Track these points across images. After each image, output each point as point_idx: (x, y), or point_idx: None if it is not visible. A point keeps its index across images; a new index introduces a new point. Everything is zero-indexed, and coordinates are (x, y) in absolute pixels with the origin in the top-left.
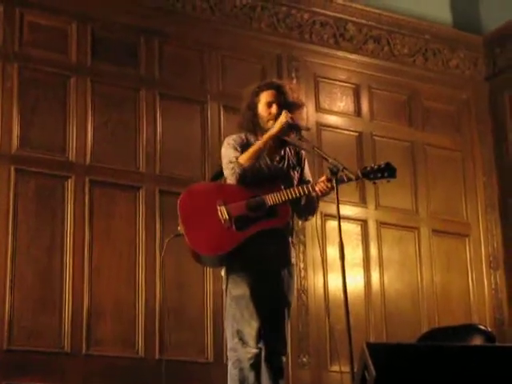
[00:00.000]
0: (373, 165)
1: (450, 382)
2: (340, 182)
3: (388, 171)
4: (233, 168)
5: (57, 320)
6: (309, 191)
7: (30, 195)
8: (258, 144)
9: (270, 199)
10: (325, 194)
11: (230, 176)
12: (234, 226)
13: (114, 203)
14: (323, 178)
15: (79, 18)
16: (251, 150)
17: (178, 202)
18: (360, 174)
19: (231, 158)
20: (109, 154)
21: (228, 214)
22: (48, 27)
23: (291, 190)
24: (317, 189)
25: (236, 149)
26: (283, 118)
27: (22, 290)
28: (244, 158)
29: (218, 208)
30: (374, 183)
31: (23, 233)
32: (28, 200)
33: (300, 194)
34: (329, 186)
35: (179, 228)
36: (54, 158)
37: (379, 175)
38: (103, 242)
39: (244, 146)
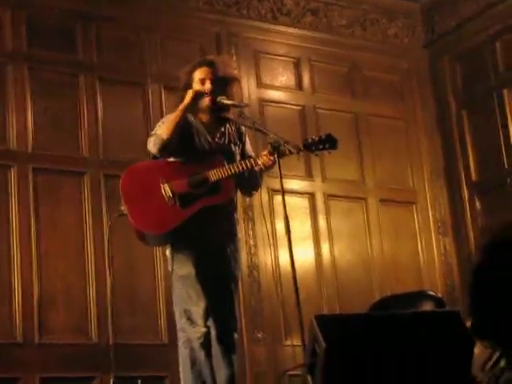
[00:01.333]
0: (314, 137)
1: (401, 350)
2: (282, 155)
3: (329, 142)
4: (154, 140)
5: (7, 310)
6: (251, 165)
7: None
8: (173, 114)
9: (213, 175)
10: (268, 167)
11: (152, 148)
12: (177, 204)
13: (58, 190)
14: (265, 152)
15: (14, 5)
16: (168, 121)
17: (120, 181)
18: (302, 147)
19: (153, 132)
20: (51, 140)
21: (171, 192)
22: None
23: (234, 165)
24: (259, 162)
25: (162, 124)
26: (195, 86)
27: None
28: (163, 130)
29: (161, 186)
30: (316, 155)
31: None
32: None
33: (243, 168)
34: (271, 158)
35: (123, 208)
36: None
37: (321, 147)
38: (50, 229)
39: None
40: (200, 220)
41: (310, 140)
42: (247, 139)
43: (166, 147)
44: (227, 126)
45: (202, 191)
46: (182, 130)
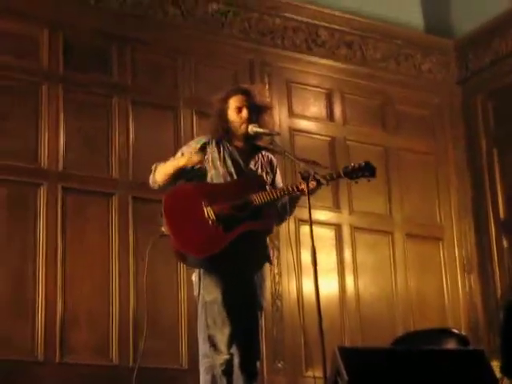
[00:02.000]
0: (353, 164)
1: None
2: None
3: (368, 170)
4: (151, 180)
5: (30, 328)
6: (293, 190)
7: (2, 203)
8: (171, 164)
9: (256, 199)
10: (311, 192)
11: (150, 184)
12: (221, 227)
13: (86, 210)
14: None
15: (51, 25)
16: (165, 170)
17: (163, 202)
18: (342, 174)
19: (153, 166)
20: (81, 160)
21: (215, 215)
22: (19, 34)
23: (276, 190)
24: (302, 187)
25: (181, 154)
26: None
27: None
28: (160, 176)
29: (204, 208)
30: (356, 182)
31: None
32: (0, 208)
33: (285, 193)
34: (314, 183)
35: (163, 229)
36: (26, 166)
37: (360, 174)
38: (76, 249)
39: (204, 149)
40: (232, 245)
41: (350, 167)
42: (278, 171)
43: (160, 190)
44: (260, 155)
45: (244, 215)
46: (215, 149)
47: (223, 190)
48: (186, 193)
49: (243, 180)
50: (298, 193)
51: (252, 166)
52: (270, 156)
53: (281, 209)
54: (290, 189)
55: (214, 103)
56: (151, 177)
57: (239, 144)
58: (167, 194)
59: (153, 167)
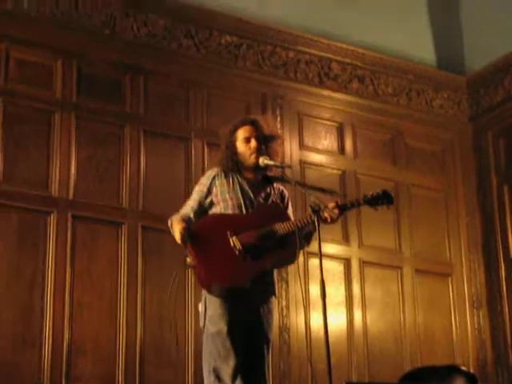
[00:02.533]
0: (372, 193)
1: None
2: (323, 220)
3: (387, 198)
4: (170, 226)
5: (37, 356)
6: (312, 221)
7: (12, 230)
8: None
9: (280, 229)
10: (332, 220)
11: None
12: (248, 256)
13: (96, 239)
14: (332, 205)
15: (65, 54)
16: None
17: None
18: (362, 201)
19: (169, 221)
20: (92, 189)
21: (241, 244)
22: (34, 63)
23: (299, 219)
24: (326, 215)
25: (196, 195)
26: (239, 145)
27: (1, 326)
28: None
29: (230, 238)
30: (376, 209)
31: (4, 268)
32: (10, 235)
33: (308, 222)
34: (336, 211)
35: (188, 260)
36: (36, 193)
37: (380, 201)
38: (84, 277)
39: (218, 181)
40: None
41: (369, 195)
42: (289, 204)
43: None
44: (271, 187)
45: (269, 244)
46: (225, 181)
47: (246, 220)
48: (210, 223)
49: (265, 210)
50: (320, 222)
51: (261, 197)
52: (282, 188)
53: (304, 240)
54: (314, 217)
55: (223, 135)
56: (171, 231)
57: (249, 175)
58: (194, 226)
59: (169, 223)
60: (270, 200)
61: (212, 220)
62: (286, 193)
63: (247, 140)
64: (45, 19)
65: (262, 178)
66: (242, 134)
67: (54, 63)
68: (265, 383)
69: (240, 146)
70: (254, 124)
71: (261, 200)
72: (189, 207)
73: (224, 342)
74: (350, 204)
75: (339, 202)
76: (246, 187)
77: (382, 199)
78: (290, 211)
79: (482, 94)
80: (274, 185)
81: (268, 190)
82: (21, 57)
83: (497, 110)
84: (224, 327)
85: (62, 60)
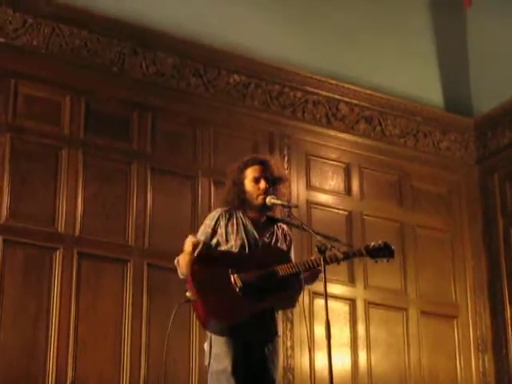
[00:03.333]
0: (373, 243)
1: None
2: (329, 261)
3: (387, 250)
4: (178, 270)
5: None
6: (316, 264)
7: (18, 266)
8: (184, 260)
9: (282, 270)
10: (329, 263)
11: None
12: (247, 295)
13: (101, 276)
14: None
15: (73, 91)
16: (183, 264)
17: (191, 268)
18: (364, 252)
19: (176, 260)
20: (98, 226)
21: (242, 282)
22: (42, 99)
23: (300, 263)
24: (331, 254)
25: (202, 235)
26: (248, 185)
27: (5, 362)
28: (182, 269)
29: (231, 276)
30: (376, 261)
31: (9, 304)
32: (15, 271)
33: (309, 266)
34: (340, 256)
35: (188, 294)
36: (43, 229)
37: (381, 254)
38: (89, 315)
39: (223, 221)
40: None
41: (371, 246)
42: (292, 246)
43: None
44: (275, 227)
45: (269, 285)
46: (230, 221)
47: (248, 260)
48: (212, 260)
49: (267, 251)
50: (319, 267)
51: (266, 237)
52: (286, 229)
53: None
54: (315, 263)
55: (230, 172)
56: (178, 270)
57: (253, 215)
58: (195, 261)
59: (175, 262)
60: (274, 238)
61: (215, 256)
62: (290, 234)
63: (256, 180)
64: (54, 56)
65: (266, 219)
66: (251, 173)
67: (63, 99)
68: None
69: (248, 184)
70: (263, 164)
71: (265, 240)
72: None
73: (229, 380)
74: (352, 253)
75: (341, 251)
76: (250, 227)
77: (384, 251)
78: (291, 254)
79: (489, 137)
80: (278, 224)
81: (272, 229)
82: (29, 93)
83: (504, 152)
84: (229, 365)
85: (70, 96)
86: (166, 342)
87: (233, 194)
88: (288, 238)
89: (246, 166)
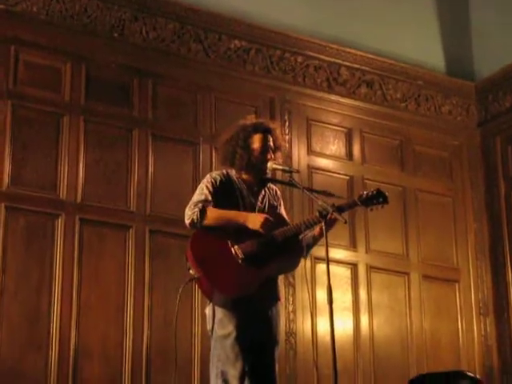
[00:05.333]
0: (366, 192)
1: None
2: (330, 224)
3: (381, 197)
4: (194, 213)
5: (43, 359)
6: (314, 222)
7: (20, 233)
8: (228, 218)
9: (279, 234)
10: (330, 225)
11: (187, 214)
12: (251, 265)
13: (103, 242)
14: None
15: (74, 58)
16: (223, 216)
17: (189, 246)
18: (358, 202)
19: (200, 200)
20: (100, 192)
21: (243, 253)
22: (43, 66)
23: (297, 224)
24: (331, 216)
25: (208, 191)
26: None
27: (9, 329)
28: (211, 216)
29: (232, 248)
30: (371, 210)
31: (12, 270)
32: (17, 237)
33: (306, 226)
34: (338, 217)
35: (191, 271)
36: (44, 196)
37: (375, 201)
38: (92, 281)
39: (220, 187)
40: None
41: (364, 195)
42: (282, 203)
43: (194, 228)
44: (266, 189)
45: (270, 251)
46: (227, 188)
47: (245, 228)
48: (210, 234)
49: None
50: (318, 224)
51: (259, 201)
52: (275, 188)
53: (307, 247)
54: (312, 221)
55: (234, 132)
56: (194, 214)
57: (247, 177)
58: (192, 237)
59: (200, 206)
60: (267, 202)
61: (212, 231)
62: (279, 193)
63: (263, 146)
64: (54, 22)
65: (258, 180)
66: (259, 140)
67: (63, 66)
68: None
69: (257, 150)
70: (271, 133)
71: (259, 204)
72: (203, 196)
73: (233, 345)
74: (347, 206)
75: (336, 204)
76: (245, 192)
77: (377, 198)
78: (283, 210)
79: (490, 100)
80: (268, 185)
81: (263, 192)
82: (30, 60)
83: (505, 115)
84: (233, 331)
85: (70, 63)
86: (175, 322)
87: (239, 155)
88: (278, 196)
89: (255, 131)
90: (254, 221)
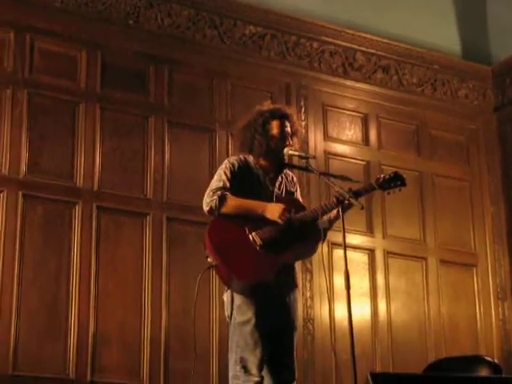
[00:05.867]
0: (384, 175)
1: None
2: (346, 208)
3: (399, 180)
4: (213, 201)
5: (62, 347)
6: (332, 207)
7: (38, 221)
8: (246, 207)
9: (297, 221)
10: (346, 209)
11: (205, 201)
12: (269, 251)
13: (121, 230)
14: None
15: (89, 45)
16: (242, 206)
17: (207, 233)
18: (376, 185)
19: (218, 187)
20: (117, 180)
21: (261, 240)
22: (58, 54)
23: (314, 209)
24: (348, 201)
25: (227, 178)
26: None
27: (27, 316)
28: (230, 205)
29: (249, 235)
30: (388, 193)
31: (30, 258)
32: (35, 226)
33: (324, 211)
34: (354, 202)
35: (209, 259)
36: (61, 184)
37: (393, 184)
38: (109, 268)
39: (238, 173)
40: None
41: (381, 179)
42: (298, 188)
43: (212, 215)
44: (283, 175)
45: (288, 237)
46: (245, 173)
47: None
48: (228, 221)
49: (280, 203)
50: (335, 208)
51: (277, 187)
52: (291, 174)
53: (324, 230)
54: (329, 207)
55: (252, 118)
56: (212, 202)
57: (264, 163)
58: (209, 225)
59: (219, 193)
60: (284, 188)
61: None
62: (295, 178)
63: (281, 132)
64: (69, 10)
65: (275, 166)
66: (278, 126)
67: (79, 54)
68: (294, 372)
69: (276, 136)
70: (289, 119)
71: (276, 190)
72: (221, 182)
73: (252, 332)
74: (364, 190)
75: (353, 189)
76: (262, 177)
77: (395, 181)
78: (299, 195)
79: (507, 84)
80: (285, 171)
81: (280, 178)
82: (45, 48)
83: None
84: (252, 317)
85: (86, 51)
86: (193, 311)
87: (258, 142)
88: (295, 182)
89: (273, 117)
90: (273, 211)
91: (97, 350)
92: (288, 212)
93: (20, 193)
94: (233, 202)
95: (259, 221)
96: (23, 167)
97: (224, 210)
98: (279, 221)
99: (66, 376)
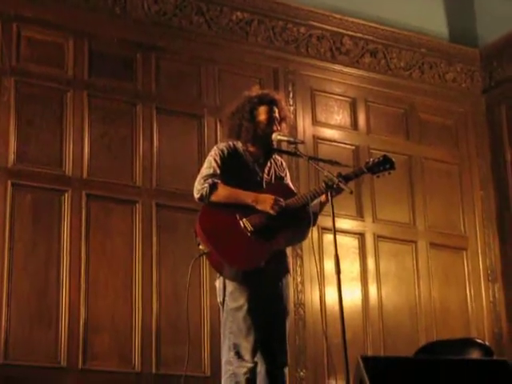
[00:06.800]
0: (373, 159)
1: None
2: (335, 193)
3: (388, 163)
4: (204, 189)
5: (53, 335)
6: (321, 192)
7: (27, 209)
8: (237, 197)
9: (287, 206)
10: (336, 193)
11: (196, 188)
12: (261, 237)
13: (110, 217)
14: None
15: (76, 33)
16: (232, 195)
17: (198, 220)
18: (365, 169)
19: (208, 174)
20: (105, 167)
21: (252, 226)
22: (45, 42)
23: (305, 194)
24: (340, 185)
25: (217, 164)
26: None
27: (18, 305)
28: (221, 193)
29: (240, 221)
30: (378, 177)
31: (20, 247)
32: (24, 214)
33: (314, 196)
34: (343, 187)
35: (201, 247)
36: (50, 172)
37: (382, 168)
38: (100, 256)
39: (227, 159)
40: None
41: (371, 162)
42: (288, 173)
43: (203, 202)
44: (272, 161)
45: (279, 223)
46: (234, 160)
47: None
48: (218, 208)
49: (270, 189)
50: (341, 185)
51: (266, 173)
52: (280, 159)
53: (314, 215)
54: (319, 191)
55: (239, 104)
56: (203, 189)
57: (253, 149)
58: (200, 212)
59: (210, 181)
60: (273, 174)
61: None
62: (284, 163)
63: (269, 118)
64: None
65: (264, 151)
66: (265, 112)
67: (66, 42)
68: (287, 356)
69: (263, 122)
70: (276, 105)
71: (266, 176)
72: (211, 169)
73: (245, 317)
74: (353, 174)
75: (342, 173)
76: (251, 164)
77: (384, 164)
78: (288, 180)
79: (495, 67)
80: (274, 156)
81: (269, 164)
82: (32, 36)
83: (510, 82)
84: (245, 303)
85: (73, 39)
86: (187, 295)
87: (249, 131)
88: (284, 167)
89: (261, 103)
90: (264, 202)
91: (88, 338)
92: (279, 203)
93: (9, 182)
94: (223, 191)
95: (250, 208)
96: (12, 156)
97: (214, 198)
98: (271, 212)
99: (57, 364)
